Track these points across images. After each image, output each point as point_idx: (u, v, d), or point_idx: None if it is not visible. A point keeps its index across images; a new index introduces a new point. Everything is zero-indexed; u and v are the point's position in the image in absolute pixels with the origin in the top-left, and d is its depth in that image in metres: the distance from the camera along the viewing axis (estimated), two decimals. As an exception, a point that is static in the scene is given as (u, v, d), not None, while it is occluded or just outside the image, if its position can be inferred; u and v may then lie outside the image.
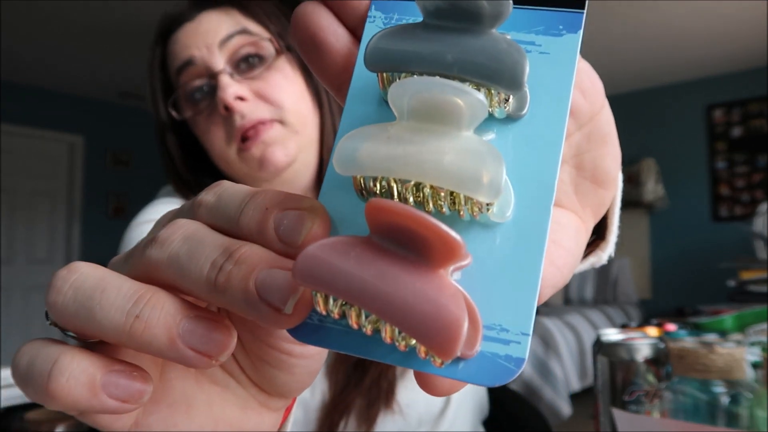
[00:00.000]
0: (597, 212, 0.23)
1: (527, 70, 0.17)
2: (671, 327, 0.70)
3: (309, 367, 0.23)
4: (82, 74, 4.04)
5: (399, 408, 0.61)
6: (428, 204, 0.17)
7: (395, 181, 0.17)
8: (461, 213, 0.17)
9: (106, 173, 4.67)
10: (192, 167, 0.69)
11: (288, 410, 0.26)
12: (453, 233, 0.15)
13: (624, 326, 1.21)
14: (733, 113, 4.17)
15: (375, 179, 0.17)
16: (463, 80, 0.17)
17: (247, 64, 0.63)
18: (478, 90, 0.17)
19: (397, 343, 0.16)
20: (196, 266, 0.17)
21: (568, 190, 0.21)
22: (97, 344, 0.20)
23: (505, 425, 0.77)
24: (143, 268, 0.19)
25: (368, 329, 0.16)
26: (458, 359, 0.16)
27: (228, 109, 0.61)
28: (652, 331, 0.68)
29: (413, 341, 0.16)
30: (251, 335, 0.22)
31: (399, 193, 0.17)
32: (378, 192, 0.18)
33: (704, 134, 4.27)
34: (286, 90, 0.63)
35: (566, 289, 4.32)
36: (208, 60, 0.63)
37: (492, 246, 0.17)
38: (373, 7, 0.20)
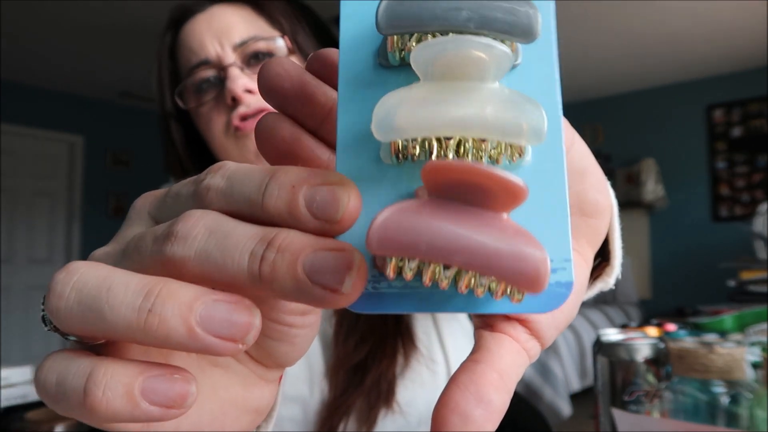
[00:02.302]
0: (593, 241, 0.23)
1: (540, 19, 0.18)
2: (671, 327, 0.70)
3: (308, 335, 0.23)
4: (82, 74, 4.04)
5: (399, 408, 0.61)
6: (467, 158, 0.18)
7: (436, 139, 0.18)
8: (499, 161, 0.18)
9: (106, 173, 4.66)
10: (195, 157, 0.69)
11: (279, 378, 0.26)
12: (514, 177, 0.16)
13: (624, 326, 1.21)
14: (733, 113, 4.17)
15: (415, 140, 0.18)
16: (478, 35, 0.18)
17: (257, 60, 0.64)
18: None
19: (474, 290, 0.17)
20: (232, 259, 0.17)
21: None
22: (102, 345, 0.19)
23: (505, 425, 0.77)
24: (159, 265, 0.18)
25: (444, 284, 0.17)
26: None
27: (235, 101, 0.62)
28: (652, 331, 0.68)
29: (492, 285, 0.17)
30: None
31: (439, 151, 0.18)
32: (417, 152, 0.18)
33: (704, 134, 4.27)
34: None
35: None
36: (220, 55, 0.63)
37: None
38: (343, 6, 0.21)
